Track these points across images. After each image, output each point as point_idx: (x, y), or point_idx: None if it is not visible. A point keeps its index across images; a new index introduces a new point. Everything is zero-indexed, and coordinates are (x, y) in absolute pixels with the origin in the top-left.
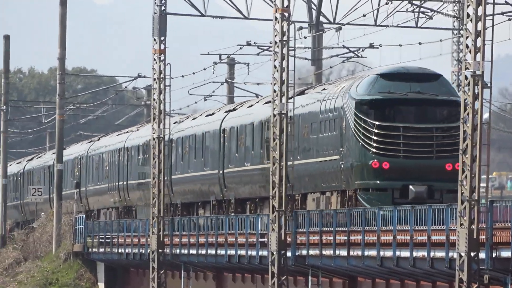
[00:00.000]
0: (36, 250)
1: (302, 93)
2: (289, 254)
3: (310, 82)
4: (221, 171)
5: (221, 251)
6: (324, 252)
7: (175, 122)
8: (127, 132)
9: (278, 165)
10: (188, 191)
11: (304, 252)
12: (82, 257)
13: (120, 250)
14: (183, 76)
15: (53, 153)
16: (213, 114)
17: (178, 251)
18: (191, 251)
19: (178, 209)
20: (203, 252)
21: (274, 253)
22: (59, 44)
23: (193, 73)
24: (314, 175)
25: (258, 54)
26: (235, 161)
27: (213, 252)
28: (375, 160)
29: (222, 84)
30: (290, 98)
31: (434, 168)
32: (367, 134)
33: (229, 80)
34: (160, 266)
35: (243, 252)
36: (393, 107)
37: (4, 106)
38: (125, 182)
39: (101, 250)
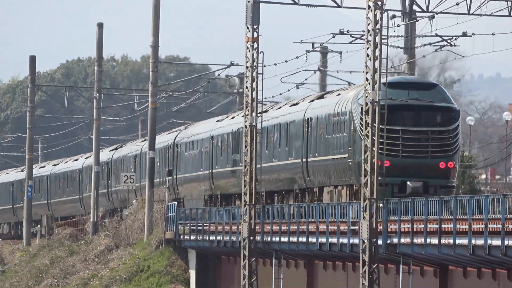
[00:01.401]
0: (128, 237)
1: (321, 97)
2: (380, 242)
3: (403, 71)
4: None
5: (312, 239)
6: (415, 241)
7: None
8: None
9: (369, 154)
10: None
11: (395, 240)
12: (173, 244)
13: (211, 238)
14: (275, 64)
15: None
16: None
17: (269, 238)
18: (282, 239)
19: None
20: (294, 239)
21: (365, 241)
22: (152, 32)
23: (286, 61)
24: (328, 170)
25: (351, 43)
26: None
27: (304, 240)
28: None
29: (314, 73)
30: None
31: (429, 166)
32: (371, 136)
33: (321, 68)
34: (251, 253)
35: (334, 240)
36: (394, 112)
37: (97, 94)
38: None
39: (193, 237)
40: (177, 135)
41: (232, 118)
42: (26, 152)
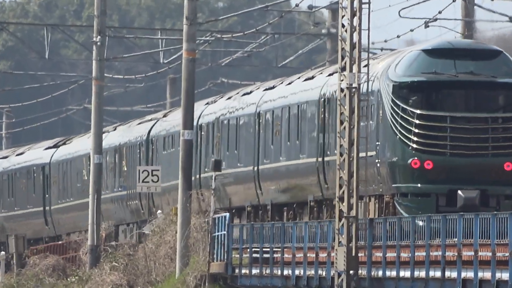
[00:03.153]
0: (149, 271)
1: (343, 69)
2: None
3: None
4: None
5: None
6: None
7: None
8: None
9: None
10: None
11: (380, 272)
12: (223, 282)
13: (286, 272)
14: None
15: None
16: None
17: (379, 273)
18: (401, 273)
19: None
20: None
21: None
22: None
23: None
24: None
25: None
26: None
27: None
28: (416, 158)
29: (454, 1)
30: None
31: (490, 168)
32: (406, 126)
33: None
34: None
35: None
36: (439, 91)
37: (98, 37)
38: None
39: (255, 271)
40: (226, 106)
41: (290, 83)
42: None
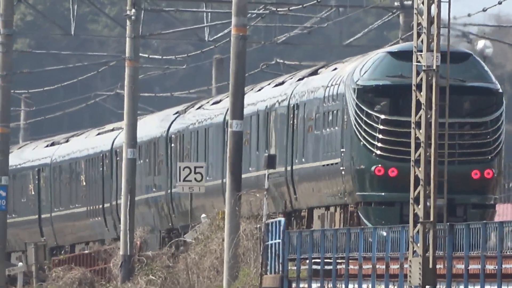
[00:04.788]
0: (191, 286)
1: (315, 72)
2: None
3: None
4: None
5: None
6: None
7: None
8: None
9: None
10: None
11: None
12: None
13: (351, 286)
14: None
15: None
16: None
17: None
18: None
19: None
20: None
21: None
22: None
23: None
24: (318, 184)
25: None
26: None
27: None
28: (380, 165)
29: None
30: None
31: (457, 176)
32: (370, 131)
33: None
34: None
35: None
36: (405, 96)
37: (133, 10)
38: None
39: (315, 286)
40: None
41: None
42: None
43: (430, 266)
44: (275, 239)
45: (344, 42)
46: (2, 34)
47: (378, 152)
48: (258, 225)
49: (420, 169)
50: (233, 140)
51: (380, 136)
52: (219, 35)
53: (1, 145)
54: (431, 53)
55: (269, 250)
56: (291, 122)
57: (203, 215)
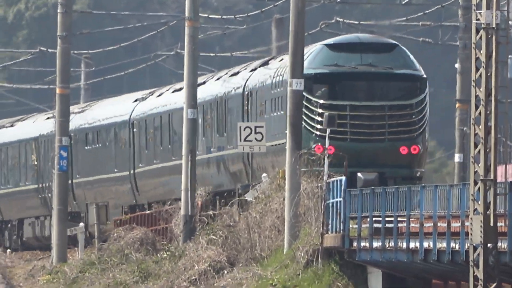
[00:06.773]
0: (253, 245)
1: (266, 63)
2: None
3: None
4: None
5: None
6: None
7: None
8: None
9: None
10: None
11: None
12: (340, 257)
13: (413, 245)
14: None
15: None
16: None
17: None
18: None
19: None
20: None
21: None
22: None
23: None
24: (272, 160)
25: None
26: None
27: None
28: (319, 144)
29: None
30: None
31: (387, 152)
32: (310, 115)
33: None
34: (489, 276)
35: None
36: (339, 82)
37: None
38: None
39: (377, 244)
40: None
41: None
42: (57, 84)
43: (491, 224)
44: (337, 197)
45: (403, 0)
46: None
47: (318, 132)
48: (319, 184)
49: (480, 127)
50: (295, 99)
51: (319, 118)
52: None
53: (61, 105)
54: (490, 10)
55: (330, 209)
56: (246, 108)
57: (264, 174)
